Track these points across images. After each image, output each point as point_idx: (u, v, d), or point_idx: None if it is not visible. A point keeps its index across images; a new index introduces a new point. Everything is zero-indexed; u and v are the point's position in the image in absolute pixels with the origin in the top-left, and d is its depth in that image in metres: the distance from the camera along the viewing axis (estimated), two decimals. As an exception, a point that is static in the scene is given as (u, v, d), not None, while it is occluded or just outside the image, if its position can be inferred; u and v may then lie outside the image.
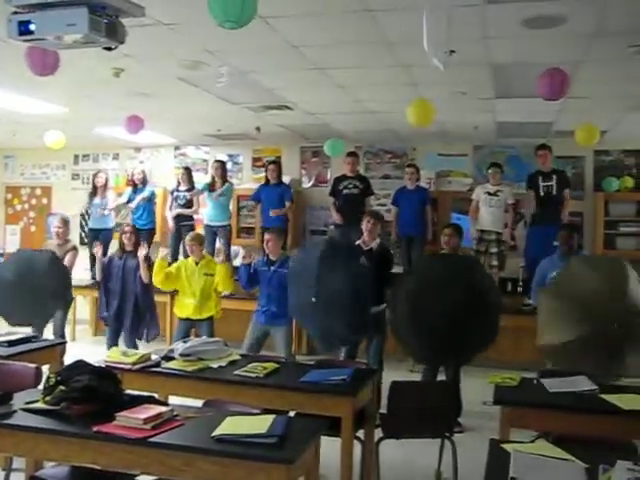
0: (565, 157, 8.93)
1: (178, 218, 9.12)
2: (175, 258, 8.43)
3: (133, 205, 9.43)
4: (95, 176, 9.65)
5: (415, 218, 8.35)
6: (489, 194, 8.12)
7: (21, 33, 2.72)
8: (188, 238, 6.60)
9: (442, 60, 3.25)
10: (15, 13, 2.73)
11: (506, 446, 2.96)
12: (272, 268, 6.05)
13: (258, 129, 8.54)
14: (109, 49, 2.96)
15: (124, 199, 9.55)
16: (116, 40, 2.81)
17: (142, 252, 6.46)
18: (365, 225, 6.09)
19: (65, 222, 7.40)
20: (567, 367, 4.57)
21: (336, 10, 4.15)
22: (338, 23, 4.39)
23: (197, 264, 6.43)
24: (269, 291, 6.00)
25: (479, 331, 4.75)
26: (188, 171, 9.37)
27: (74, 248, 7.52)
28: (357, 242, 6.14)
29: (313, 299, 5.12)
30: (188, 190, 9.19)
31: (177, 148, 10.71)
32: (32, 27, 2.69)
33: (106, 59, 5.12)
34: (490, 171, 8.24)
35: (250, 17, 3.06)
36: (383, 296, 6.01)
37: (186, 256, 7.87)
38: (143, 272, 6.44)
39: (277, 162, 9.24)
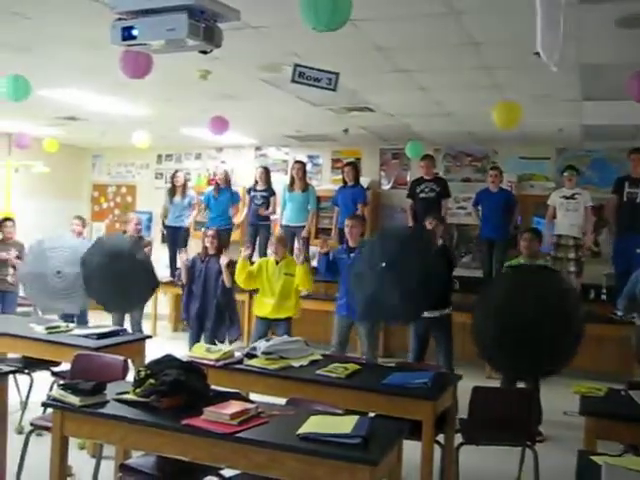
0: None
1: (255, 217, 9.25)
2: (250, 256, 8.54)
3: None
4: (174, 176, 9.90)
5: (497, 221, 8.17)
6: (565, 198, 7.90)
7: (124, 39, 2.83)
8: (274, 239, 6.69)
9: (555, 61, 3.17)
10: (119, 20, 2.85)
11: (596, 458, 2.89)
12: (352, 255, 6.09)
13: (346, 131, 8.56)
14: (205, 52, 3.04)
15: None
16: (213, 44, 2.89)
17: (224, 260, 6.57)
18: (427, 227, 6.15)
19: (141, 220, 7.74)
20: None
21: (423, 12, 4.15)
22: (424, 25, 4.39)
23: (277, 264, 6.52)
24: (349, 279, 5.99)
25: (563, 349, 4.64)
26: (267, 171, 9.43)
27: (149, 244, 7.78)
28: None
29: (383, 264, 5.16)
30: (265, 190, 9.29)
31: (258, 149, 10.88)
32: (135, 32, 2.80)
33: (194, 62, 5.28)
34: (566, 174, 7.99)
35: (344, 21, 3.09)
36: (448, 299, 5.98)
37: (262, 255, 8.01)
38: (226, 277, 6.56)
39: (353, 164, 9.26)
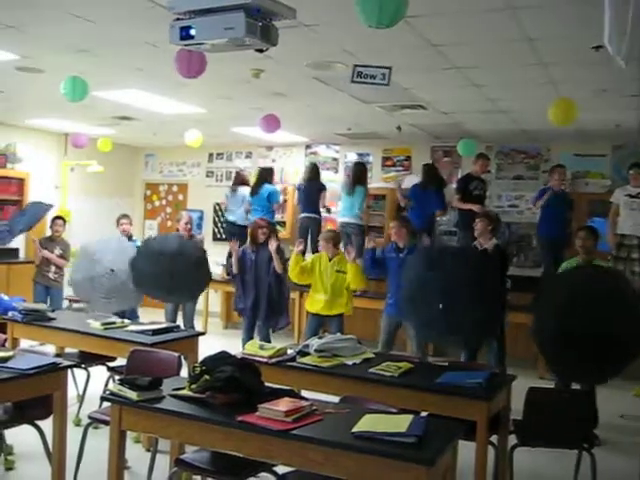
0: None
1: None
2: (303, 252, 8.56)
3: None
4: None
5: (559, 220, 8.01)
6: (630, 196, 7.70)
7: (182, 38, 2.87)
8: (324, 236, 6.71)
9: (623, 56, 3.07)
10: (177, 20, 2.89)
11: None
12: (401, 255, 6.09)
13: (399, 129, 8.52)
14: (261, 51, 3.06)
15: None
16: (269, 42, 2.91)
17: (273, 245, 6.64)
18: (475, 225, 6.10)
19: (191, 219, 7.86)
20: None
21: (478, 8, 4.10)
22: (479, 21, 4.33)
23: (330, 260, 6.54)
24: (398, 279, 5.93)
25: (628, 351, 4.49)
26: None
27: (201, 242, 7.90)
28: (473, 244, 6.19)
29: (440, 306, 5.03)
30: None
31: (308, 147, 10.91)
32: (192, 32, 2.83)
33: (247, 60, 5.31)
34: (631, 172, 7.80)
35: (399, 18, 3.07)
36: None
37: (314, 250, 8.07)
38: (276, 263, 6.63)
39: None
